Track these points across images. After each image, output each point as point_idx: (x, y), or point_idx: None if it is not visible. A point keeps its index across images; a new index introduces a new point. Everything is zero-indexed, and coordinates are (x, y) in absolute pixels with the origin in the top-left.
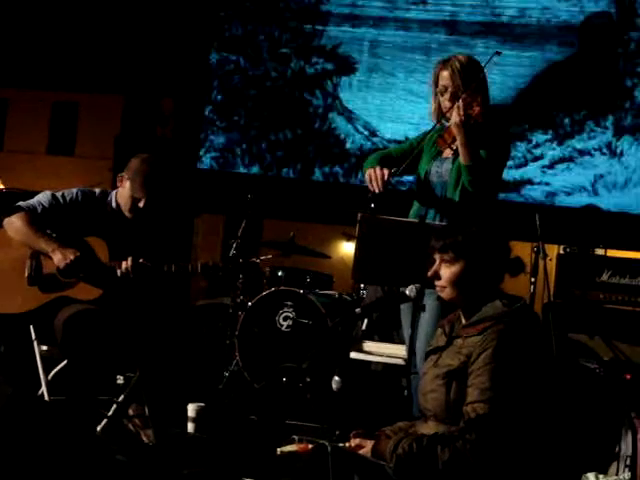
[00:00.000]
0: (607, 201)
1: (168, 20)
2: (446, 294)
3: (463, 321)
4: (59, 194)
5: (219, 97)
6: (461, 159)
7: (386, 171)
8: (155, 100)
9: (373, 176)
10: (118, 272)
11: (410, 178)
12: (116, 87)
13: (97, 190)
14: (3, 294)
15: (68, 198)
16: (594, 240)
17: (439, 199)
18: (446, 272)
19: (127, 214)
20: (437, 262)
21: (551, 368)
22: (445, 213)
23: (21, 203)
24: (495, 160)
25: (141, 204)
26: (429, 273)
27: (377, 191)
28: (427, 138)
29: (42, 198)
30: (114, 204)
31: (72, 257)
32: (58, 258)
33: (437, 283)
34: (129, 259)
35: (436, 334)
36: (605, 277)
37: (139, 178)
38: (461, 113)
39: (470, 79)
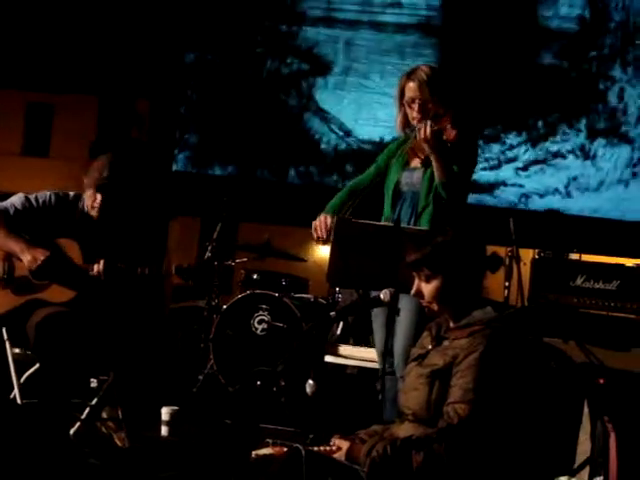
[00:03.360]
0: (580, 203)
1: (143, 21)
2: (433, 309)
3: (451, 324)
4: (32, 197)
5: (194, 96)
6: (436, 176)
7: (329, 219)
8: (130, 101)
9: (317, 225)
10: (90, 274)
11: None
12: (91, 88)
13: (71, 193)
14: None
15: (41, 201)
16: (568, 244)
17: (411, 207)
18: (427, 289)
19: (93, 214)
20: (416, 280)
21: (531, 374)
22: (419, 220)
23: None
24: (467, 170)
25: (96, 203)
26: (412, 292)
27: (320, 239)
28: (394, 151)
29: (15, 200)
30: (85, 207)
31: (42, 258)
32: (28, 259)
33: (422, 301)
34: (101, 262)
35: (422, 336)
36: (579, 282)
37: (93, 173)
38: (429, 135)
39: (437, 89)
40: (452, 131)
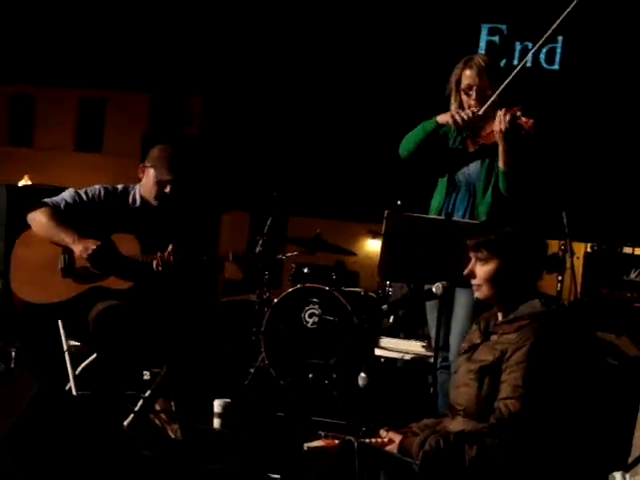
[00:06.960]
0: None
1: (197, 17)
2: (482, 292)
3: (499, 318)
4: (82, 191)
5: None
6: (500, 164)
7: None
8: (182, 98)
9: (461, 113)
10: (154, 264)
11: None
12: (143, 85)
13: (120, 186)
14: (39, 287)
15: (91, 195)
16: (622, 238)
17: (467, 198)
18: (481, 270)
19: (153, 202)
20: (472, 261)
21: (584, 368)
22: (475, 211)
23: (46, 199)
24: (536, 164)
25: (167, 189)
26: (465, 272)
27: (466, 118)
28: (450, 135)
29: (66, 195)
30: (138, 198)
31: (94, 247)
32: (79, 249)
33: (473, 282)
34: (170, 247)
35: (471, 330)
36: (633, 275)
37: (163, 161)
38: (508, 125)
39: (495, 77)
40: (529, 120)
